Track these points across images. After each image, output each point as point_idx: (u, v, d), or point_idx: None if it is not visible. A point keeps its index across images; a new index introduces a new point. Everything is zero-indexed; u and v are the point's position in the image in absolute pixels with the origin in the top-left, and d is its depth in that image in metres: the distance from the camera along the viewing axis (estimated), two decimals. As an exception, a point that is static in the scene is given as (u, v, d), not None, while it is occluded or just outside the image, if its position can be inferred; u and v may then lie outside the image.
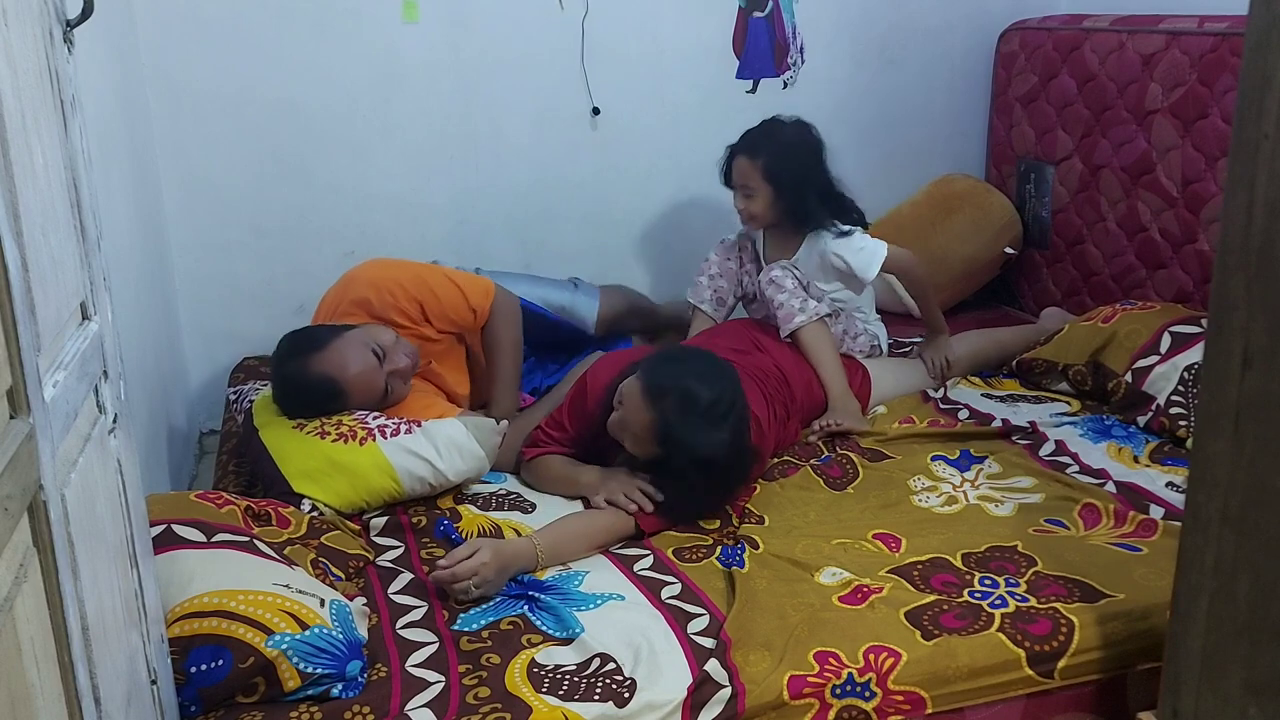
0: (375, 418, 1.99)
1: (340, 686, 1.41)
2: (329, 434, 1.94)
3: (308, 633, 1.40)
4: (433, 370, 2.24)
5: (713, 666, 1.44)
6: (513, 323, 2.29)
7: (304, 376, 1.98)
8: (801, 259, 2.50)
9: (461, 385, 2.32)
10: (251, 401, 2.12)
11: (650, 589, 1.66)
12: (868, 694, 1.45)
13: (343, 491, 1.89)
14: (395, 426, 1.95)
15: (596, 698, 1.40)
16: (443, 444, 1.92)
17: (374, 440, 1.91)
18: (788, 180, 2.41)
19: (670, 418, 1.80)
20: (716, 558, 1.76)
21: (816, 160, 2.44)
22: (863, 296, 2.57)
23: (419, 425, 1.96)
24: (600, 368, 2.11)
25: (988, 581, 1.66)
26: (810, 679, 1.44)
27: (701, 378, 1.84)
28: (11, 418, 0.75)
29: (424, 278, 2.21)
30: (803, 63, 3.03)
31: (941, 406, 2.39)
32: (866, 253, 2.42)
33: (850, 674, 1.45)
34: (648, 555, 1.78)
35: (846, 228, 2.44)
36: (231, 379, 2.56)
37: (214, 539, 1.56)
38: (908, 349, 2.67)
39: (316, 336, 2.04)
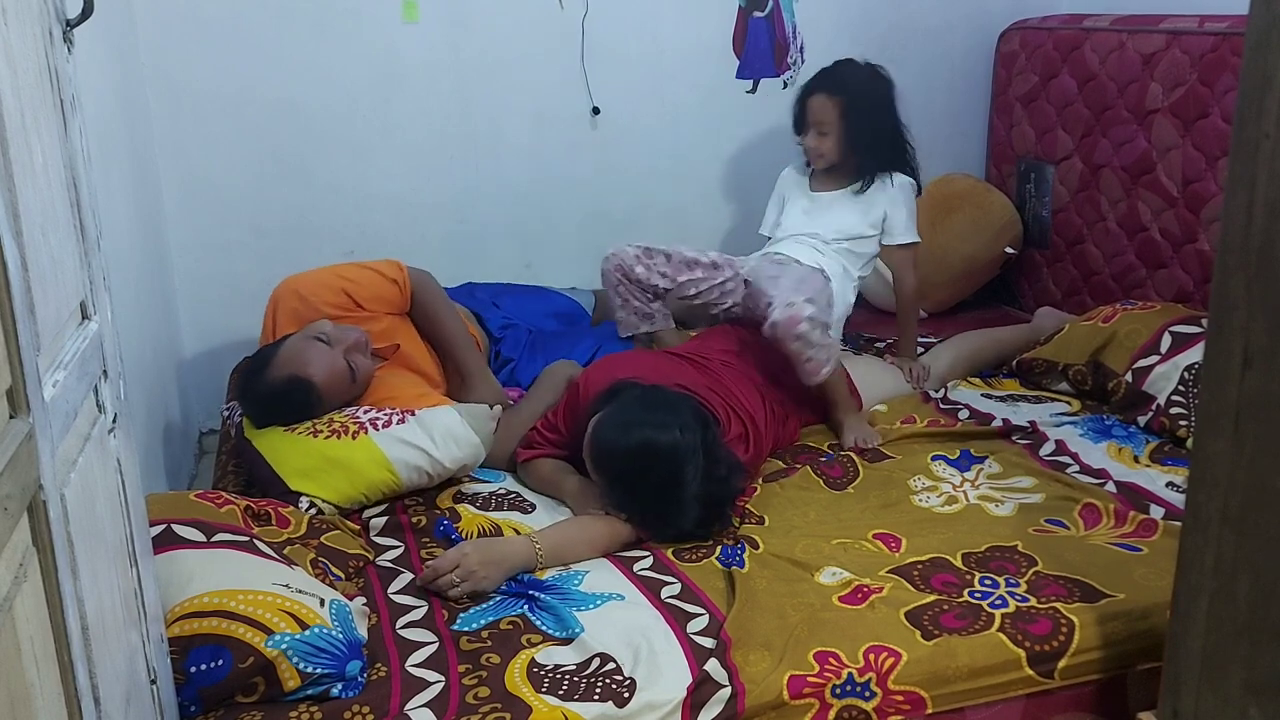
0: (366, 411, 1.99)
1: (340, 686, 1.41)
2: (321, 431, 1.94)
3: (307, 632, 1.40)
4: (405, 354, 2.24)
5: (712, 666, 1.44)
6: (437, 290, 2.33)
7: (270, 387, 1.99)
8: (846, 196, 2.51)
9: (426, 360, 2.32)
10: (243, 415, 2.11)
11: (650, 589, 1.66)
12: (868, 694, 1.45)
13: (340, 487, 1.89)
14: (387, 418, 1.95)
15: (596, 697, 1.39)
16: (438, 433, 1.92)
17: (366, 433, 1.91)
18: (864, 120, 2.43)
19: (621, 500, 1.81)
20: (716, 557, 1.76)
21: (891, 103, 2.48)
22: (860, 264, 2.55)
23: (412, 415, 1.96)
24: (596, 371, 2.11)
25: (988, 581, 1.66)
26: (810, 679, 1.44)
27: (644, 452, 1.77)
28: (11, 417, 0.75)
29: (337, 271, 2.28)
30: (803, 62, 3.03)
31: (942, 406, 2.39)
32: (909, 223, 2.49)
33: (850, 674, 1.45)
34: (647, 555, 1.78)
35: (911, 180, 2.51)
36: (231, 380, 2.56)
37: (214, 539, 1.56)
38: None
39: (263, 354, 2.08)
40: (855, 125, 2.43)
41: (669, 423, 1.79)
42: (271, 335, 2.20)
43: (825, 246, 2.49)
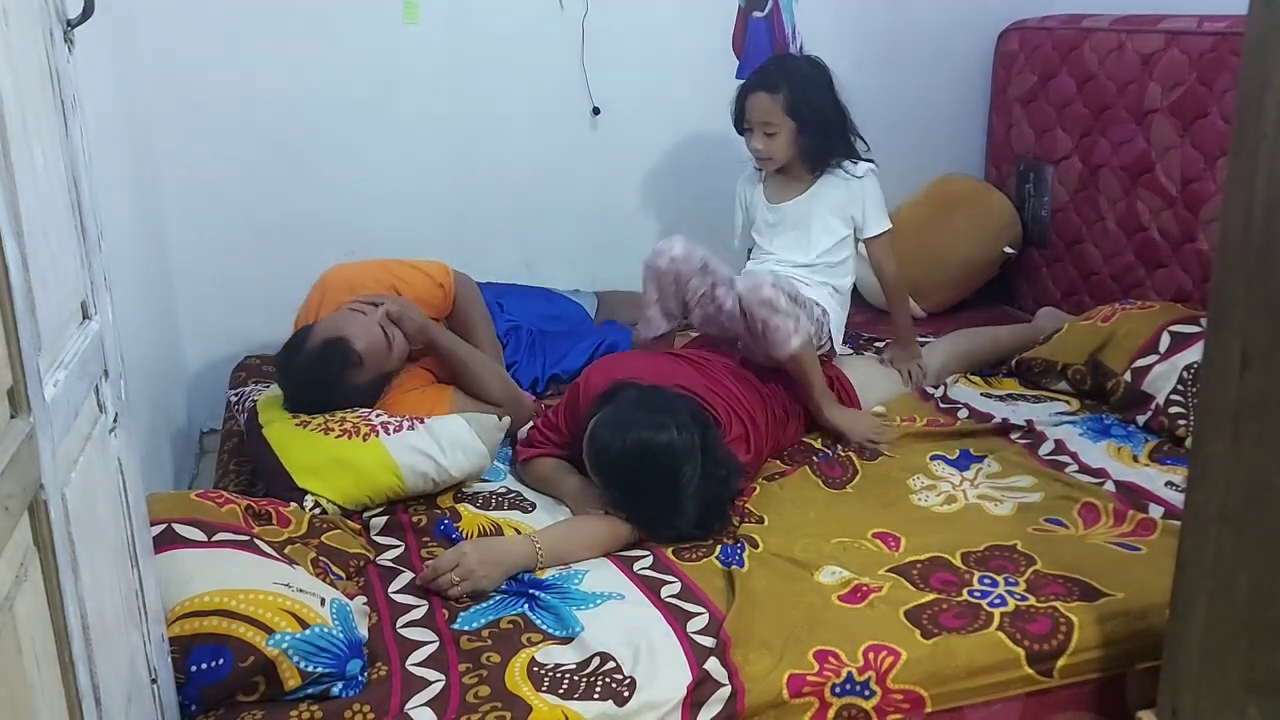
0: (378, 415, 2.00)
1: (340, 685, 1.41)
2: (333, 430, 1.95)
3: (308, 632, 1.40)
4: (428, 359, 2.25)
5: (712, 665, 1.44)
6: (477, 297, 2.38)
7: (313, 353, 2.02)
8: (808, 201, 2.42)
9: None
10: (254, 401, 2.12)
11: (650, 588, 1.66)
12: (867, 693, 1.45)
13: (346, 488, 1.89)
14: (398, 423, 1.96)
15: (596, 696, 1.40)
16: (446, 441, 1.93)
17: (377, 437, 1.92)
18: (810, 114, 2.34)
19: (618, 500, 1.82)
20: (716, 557, 1.76)
21: (833, 92, 2.39)
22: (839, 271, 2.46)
23: (422, 422, 1.97)
24: (596, 371, 2.11)
25: (987, 580, 1.66)
26: (810, 678, 1.44)
27: (641, 453, 1.77)
28: (12, 417, 0.75)
29: (388, 268, 2.30)
30: (802, 62, 3.03)
31: (941, 405, 2.39)
32: (879, 212, 2.41)
33: (850, 673, 1.45)
34: (647, 555, 1.78)
35: (870, 165, 2.41)
36: (233, 378, 2.56)
37: (214, 538, 1.56)
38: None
39: (300, 336, 2.11)
40: (803, 119, 2.33)
41: (666, 423, 1.80)
42: (314, 318, 2.22)
43: (808, 273, 2.40)
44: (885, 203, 2.45)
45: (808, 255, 2.42)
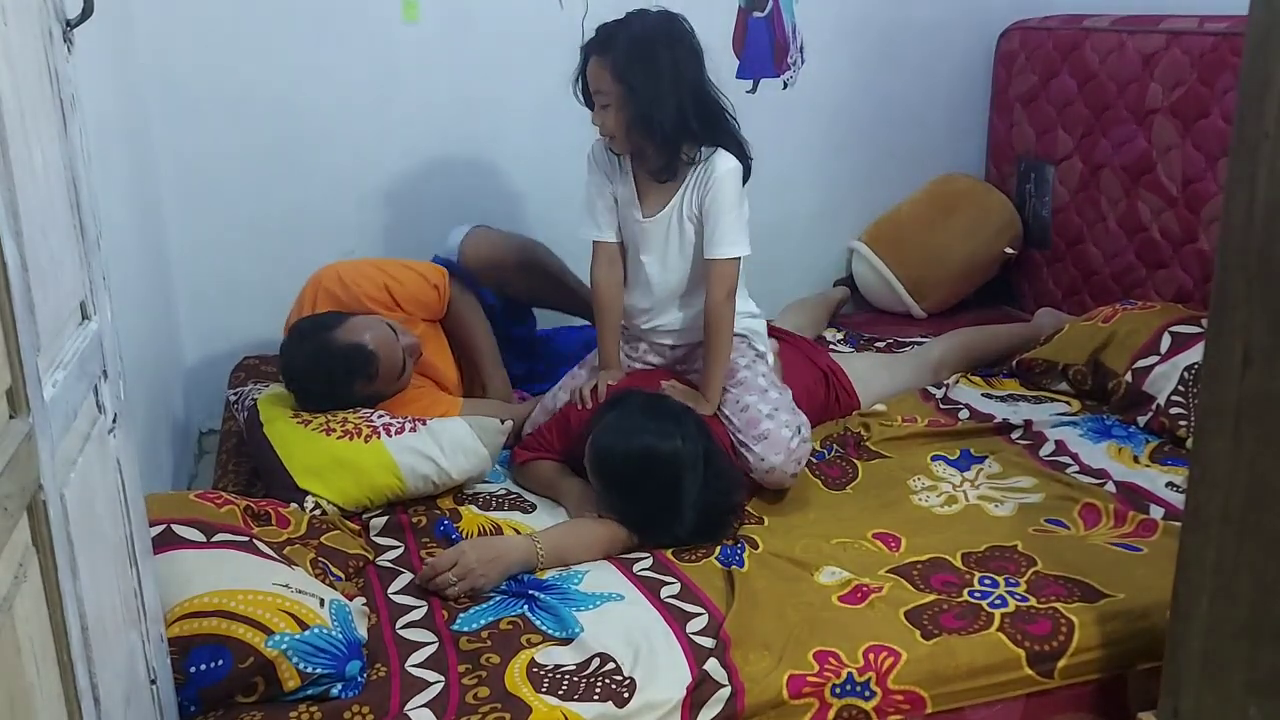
0: (380, 416, 2.00)
1: (340, 686, 1.41)
2: (334, 430, 1.94)
3: (307, 633, 1.40)
4: (425, 361, 2.25)
5: (712, 666, 1.44)
6: (472, 301, 2.36)
7: (331, 347, 2.01)
8: (674, 213, 1.99)
9: (450, 370, 2.35)
10: (254, 400, 2.12)
11: (649, 588, 1.66)
12: (867, 693, 1.45)
13: (347, 489, 1.89)
14: (400, 425, 1.96)
15: (596, 697, 1.40)
16: (447, 443, 1.93)
17: (379, 438, 1.92)
18: (640, 76, 1.84)
19: (617, 505, 1.81)
20: (716, 557, 1.76)
21: (686, 61, 1.89)
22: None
23: (423, 424, 1.97)
24: None
25: (987, 581, 1.66)
26: (810, 678, 1.44)
27: (645, 459, 1.77)
28: (11, 417, 0.75)
29: (381, 266, 2.29)
30: (803, 62, 3.03)
31: (942, 406, 2.39)
32: (735, 226, 1.93)
33: (850, 673, 1.45)
34: (647, 556, 1.78)
35: (731, 165, 1.91)
36: (232, 379, 2.56)
37: (213, 539, 1.56)
38: (908, 347, 2.67)
39: (327, 319, 2.09)
40: (632, 86, 1.84)
41: (671, 432, 1.80)
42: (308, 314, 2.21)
43: (689, 298, 2.05)
44: (747, 219, 1.97)
45: (680, 276, 2.05)
